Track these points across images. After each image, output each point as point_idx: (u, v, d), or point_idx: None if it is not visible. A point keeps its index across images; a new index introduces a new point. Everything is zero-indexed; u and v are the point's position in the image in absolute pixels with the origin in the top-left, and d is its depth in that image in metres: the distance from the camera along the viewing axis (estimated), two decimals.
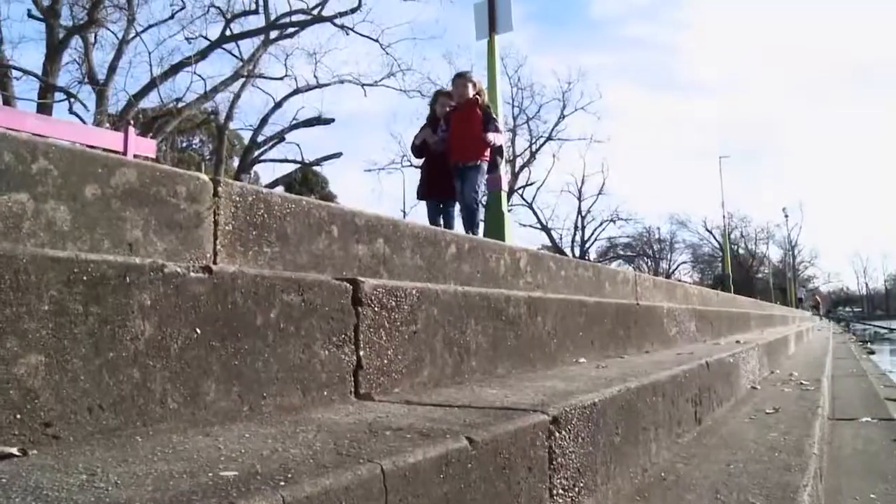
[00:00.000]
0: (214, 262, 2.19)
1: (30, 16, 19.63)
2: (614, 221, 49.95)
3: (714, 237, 61.21)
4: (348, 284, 1.98)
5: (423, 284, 2.38)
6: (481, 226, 7.25)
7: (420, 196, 7.72)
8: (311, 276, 1.90)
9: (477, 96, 7.14)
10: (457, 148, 7.06)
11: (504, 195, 9.01)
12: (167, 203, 2.14)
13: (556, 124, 42.20)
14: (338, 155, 25.75)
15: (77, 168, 1.98)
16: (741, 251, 65.50)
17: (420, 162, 7.94)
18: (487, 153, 7.06)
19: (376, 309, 2.05)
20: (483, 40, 9.62)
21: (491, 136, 6.95)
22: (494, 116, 7.27)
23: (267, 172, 33.06)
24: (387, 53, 24.13)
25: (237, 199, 2.31)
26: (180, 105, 22.07)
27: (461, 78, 7.32)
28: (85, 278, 1.38)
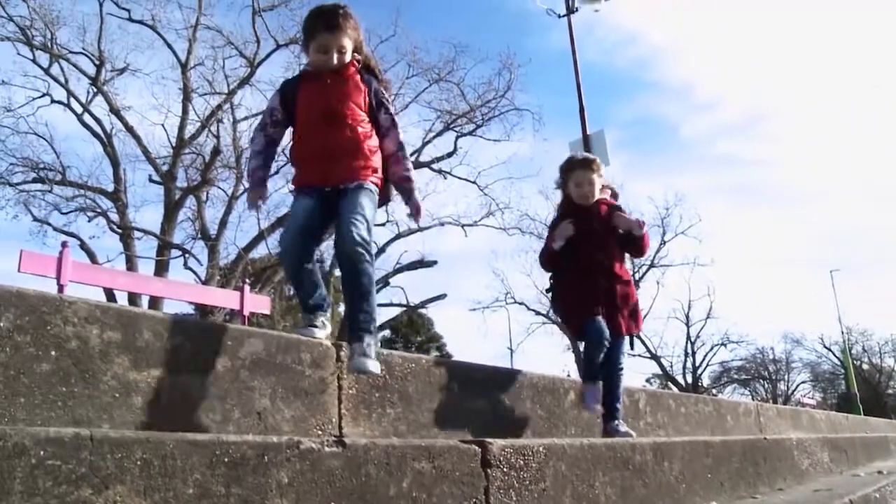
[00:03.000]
0: (340, 427, 2.21)
1: (150, 181, 21.27)
2: (725, 345, 47.97)
3: (833, 353, 57.99)
4: (477, 447, 1.96)
5: (550, 441, 2.33)
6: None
7: (570, 321, 4.32)
8: (441, 442, 1.89)
9: (362, 60, 3.33)
10: (316, 155, 3.16)
11: None
12: (292, 370, 2.20)
13: (658, 251, 41.60)
14: (442, 296, 25.78)
15: (208, 342, 2.07)
16: (865, 366, 61.73)
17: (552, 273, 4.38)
18: (378, 170, 3.20)
19: (505, 469, 2.02)
20: None
21: (409, 170, 3.30)
22: (393, 112, 3.37)
23: None
24: (484, 194, 24.61)
25: None
26: None
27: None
28: (226, 460, 1.42)
